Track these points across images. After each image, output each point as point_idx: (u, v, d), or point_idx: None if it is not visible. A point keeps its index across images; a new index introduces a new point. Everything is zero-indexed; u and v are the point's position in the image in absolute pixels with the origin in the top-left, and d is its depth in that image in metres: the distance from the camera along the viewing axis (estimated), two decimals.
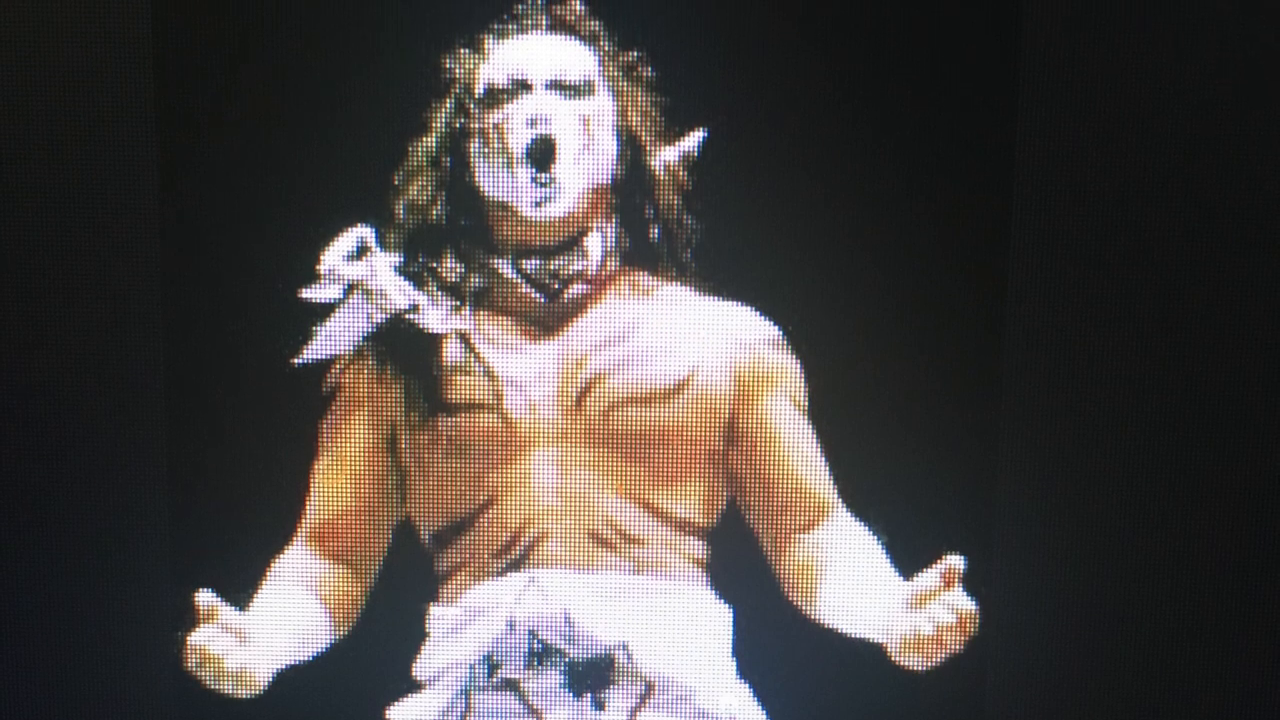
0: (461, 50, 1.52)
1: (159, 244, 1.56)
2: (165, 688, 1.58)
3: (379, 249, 1.51)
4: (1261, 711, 1.63)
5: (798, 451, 1.54)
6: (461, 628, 1.51)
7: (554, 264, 1.52)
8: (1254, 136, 1.54)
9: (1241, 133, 1.54)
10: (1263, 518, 1.59)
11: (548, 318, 1.53)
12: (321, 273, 1.50)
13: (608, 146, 1.52)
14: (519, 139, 1.49)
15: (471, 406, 1.51)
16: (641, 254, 1.54)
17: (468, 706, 1.51)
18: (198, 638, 1.43)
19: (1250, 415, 1.58)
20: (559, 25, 1.52)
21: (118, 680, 1.63)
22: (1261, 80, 1.53)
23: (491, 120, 1.50)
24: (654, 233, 1.54)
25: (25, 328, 1.58)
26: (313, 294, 1.51)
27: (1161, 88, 1.53)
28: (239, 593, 1.51)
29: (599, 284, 1.53)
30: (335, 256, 1.50)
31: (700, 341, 1.53)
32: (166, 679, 1.56)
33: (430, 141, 1.53)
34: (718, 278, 1.54)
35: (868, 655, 1.47)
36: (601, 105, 1.51)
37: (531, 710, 1.49)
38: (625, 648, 1.49)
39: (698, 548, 1.54)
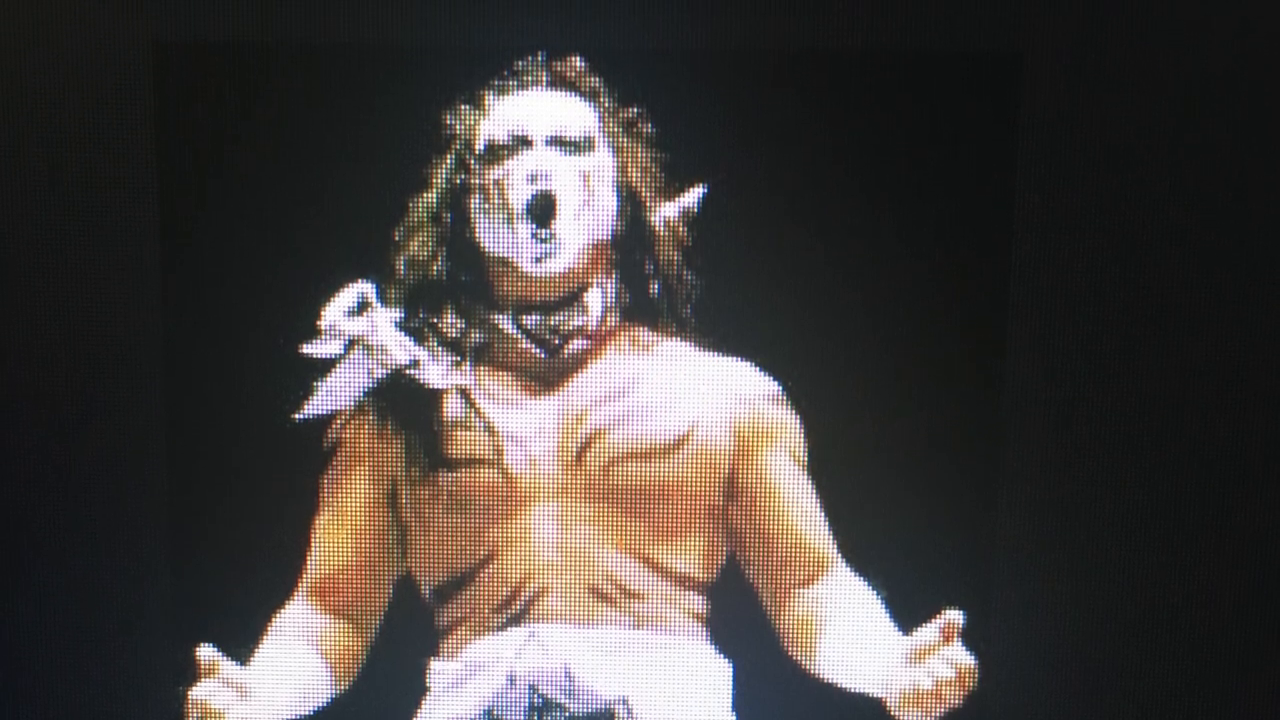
0: (462, 106, 1.53)
1: (160, 299, 1.56)
2: None
3: (380, 304, 1.51)
4: None
5: (797, 507, 1.54)
6: (462, 682, 1.51)
7: (554, 319, 1.52)
8: (1254, 190, 1.55)
9: (1241, 186, 1.54)
10: (1263, 574, 1.60)
11: (548, 373, 1.54)
12: (322, 328, 1.51)
13: (608, 202, 1.52)
14: (519, 195, 1.49)
15: (472, 462, 1.51)
16: (642, 309, 1.55)
17: None
18: (199, 692, 1.42)
19: (1251, 472, 1.58)
20: (559, 82, 1.52)
21: None
22: (1263, 134, 1.54)
23: (492, 176, 1.51)
24: (654, 288, 1.55)
25: (24, 379, 1.58)
26: (314, 349, 1.51)
27: (1160, 142, 1.53)
28: (240, 647, 1.51)
29: (599, 339, 1.54)
30: (336, 312, 1.51)
31: (700, 397, 1.53)
32: None
33: (431, 197, 1.54)
34: (717, 333, 1.55)
35: (867, 710, 1.47)
36: (602, 161, 1.52)
37: None
38: (625, 702, 1.49)
39: (698, 602, 1.54)
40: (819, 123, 1.54)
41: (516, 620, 1.51)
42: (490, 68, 1.52)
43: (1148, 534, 1.59)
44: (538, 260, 1.50)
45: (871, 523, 1.56)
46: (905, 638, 1.45)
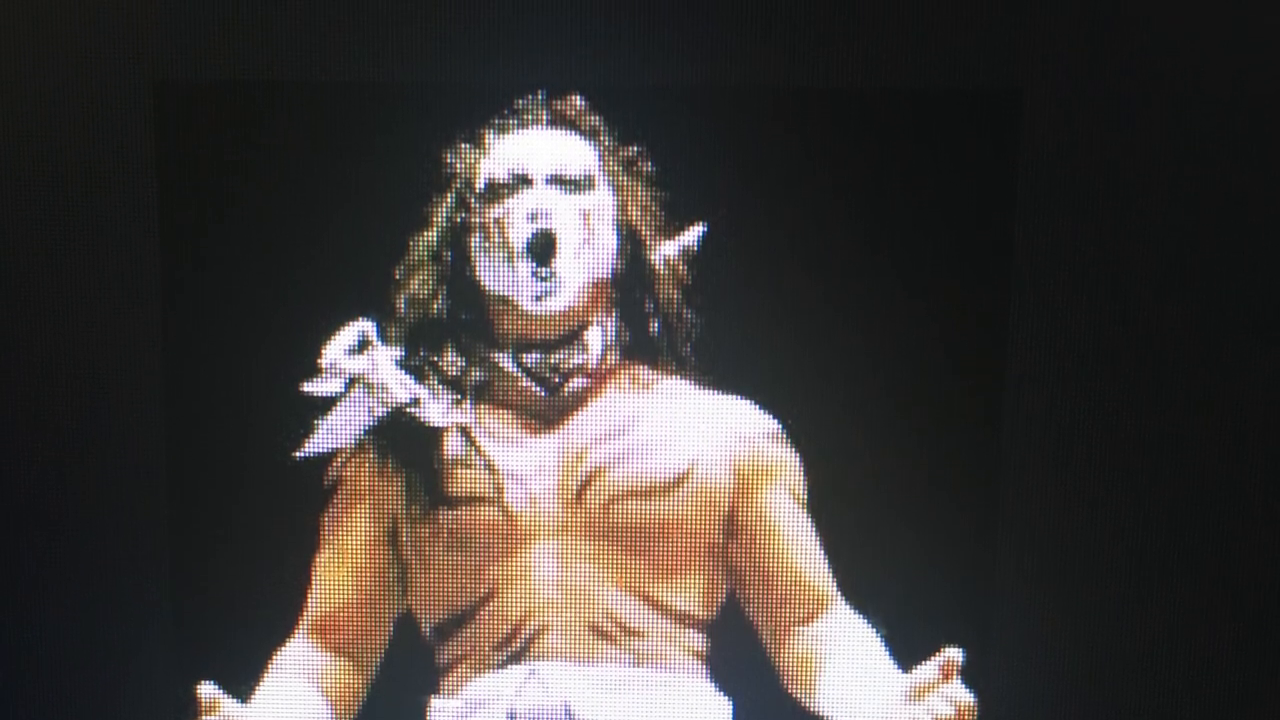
0: (462, 145, 1.53)
1: (160, 338, 1.56)
2: None
3: (380, 343, 1.52)
4: None
5: (797, 544, 1.54)
6: None
7: (554, 358, 1.53)
8: (1257, 226, 1.55)
9: (1243, 222, 1.54)
10: (1264, 613, 1.59)
11: (548, 411, 1.54)
12: (323, 367, 1.51)
13: (608, 241, 1.53)
14: (519, 233, 1.49)
15: (472, 500, 1.52)
16: (641, 348, 1.55)
17: None
18: None
19: (1252, 510, 1.58)
20: (559, 120, 1.53)
21: None
22: (1266, 169, 1.53)
23: (492, 215, 1.51)
24: (654, 327, 1.55)
25: (24, 418, 1.58)
26: (314, 388, 1.52)
27: (1162, 178, 1.53)
28: (241, 685, 1.52)
29: (599, 378, 1.54)
30: (337, 350, 1.51)
31: (700, 435, 1.53)
32: None
33: (431, 236, 1.54)
34: (717, 371, 1.55)
35: None
36: (602, 200, 1.52)
37: None
38: None
39: (697, 640, 1.55)
40: (819, 160, 1.54)
41: (517, 658, 1.51)
42: (490, 106, 1.52)
43: (1147, 572, 1.59)
44: (538, 299, 1.50)
45: (871, 561, 1.56)
46: (905, 675, 1.45)
